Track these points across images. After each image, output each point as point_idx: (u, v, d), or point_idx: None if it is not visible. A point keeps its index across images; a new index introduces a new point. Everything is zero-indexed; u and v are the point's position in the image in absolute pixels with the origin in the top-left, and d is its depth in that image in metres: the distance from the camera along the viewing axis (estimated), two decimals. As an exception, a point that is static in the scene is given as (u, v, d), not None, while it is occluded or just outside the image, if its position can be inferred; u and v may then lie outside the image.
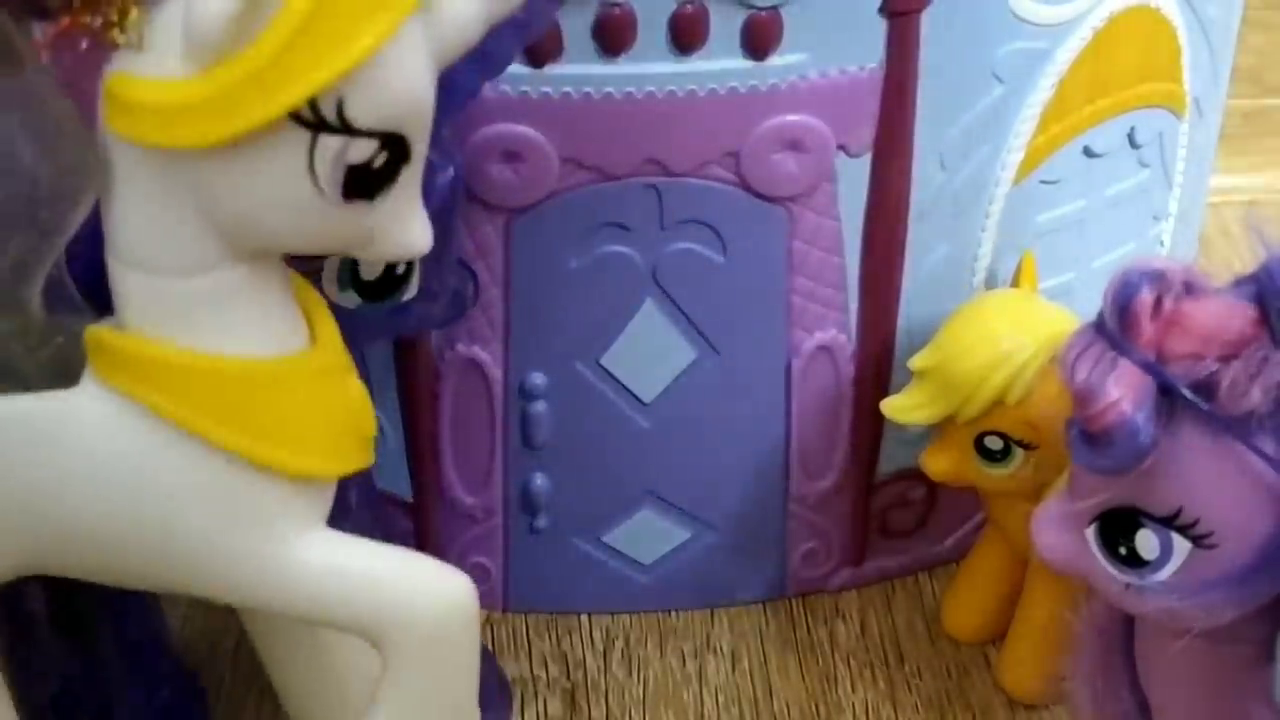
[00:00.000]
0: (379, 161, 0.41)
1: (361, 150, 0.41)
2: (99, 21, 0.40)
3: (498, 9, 0.43)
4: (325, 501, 0.46)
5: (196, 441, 0.43)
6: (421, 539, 0.63)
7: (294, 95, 0.39)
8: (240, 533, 0.45)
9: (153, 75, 0.40)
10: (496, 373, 0.60)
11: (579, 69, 0.54)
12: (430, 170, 0.51)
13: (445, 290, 0.53)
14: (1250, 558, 0.43)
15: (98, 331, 0.44)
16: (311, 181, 0.41)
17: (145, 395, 0.43)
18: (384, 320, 0.53)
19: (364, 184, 0.41)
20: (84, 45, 0.41)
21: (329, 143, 0.40)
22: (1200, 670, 0.46)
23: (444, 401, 0.60)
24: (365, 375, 0.55)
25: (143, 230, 0.42)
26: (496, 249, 0.57)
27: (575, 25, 0.53)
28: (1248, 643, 0.45)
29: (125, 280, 0.43)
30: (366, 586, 0.45)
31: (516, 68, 0.53)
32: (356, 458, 0.47)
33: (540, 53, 0.54)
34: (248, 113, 0.40)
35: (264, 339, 0.44)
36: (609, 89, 0.54)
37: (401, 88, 0.41)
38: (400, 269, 0.51)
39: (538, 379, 0.60)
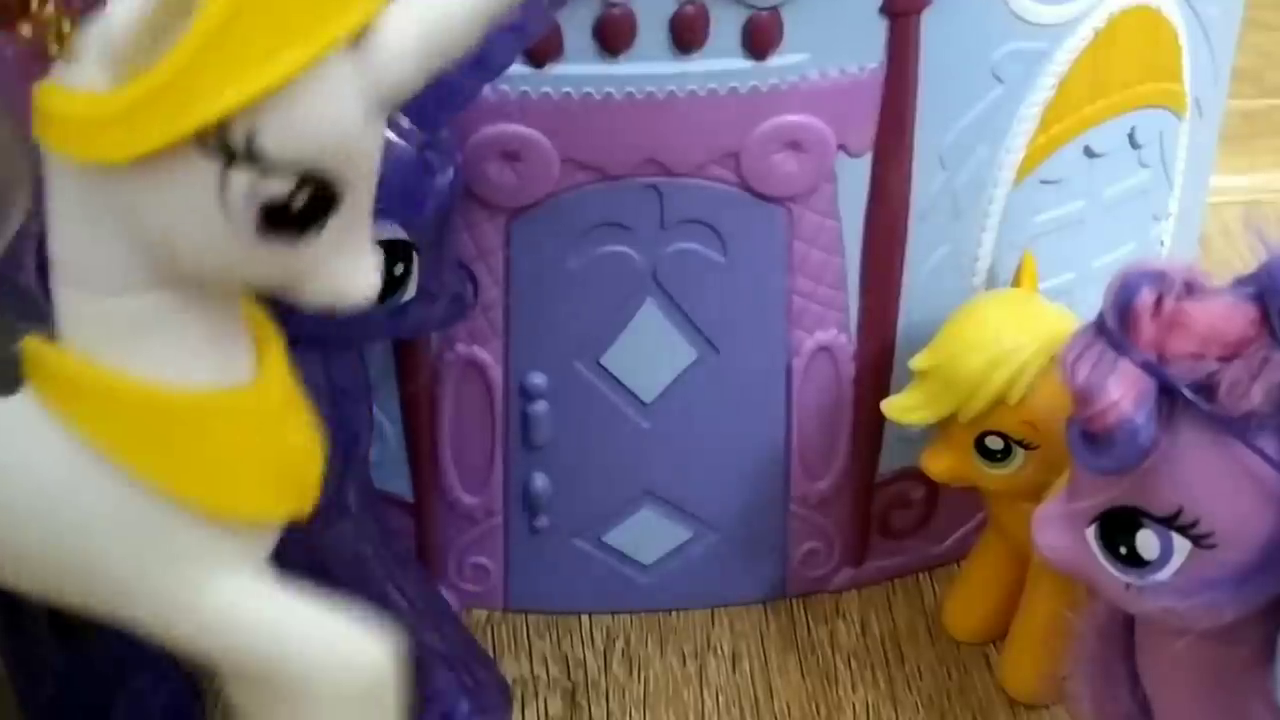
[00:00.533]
0: (299, 202, 0.40)
1: (276, 187, 0.39)
2: (33, 32, 0.40)
3: (436, 61, 0.41)
4: (258, 545, 0.45)
5: (119, 468, 0.42)
6: (421, 539, 0.63)
7: (197, 117, 0.38)
8: (157, 568, 0.43)
9: (76, 87, 0.39)
10: (497, 373, 0.60)
11: (579, 69, 0.54)
12: (429, 171, 0.51)
13: (444, 292, 0.53)
14: (1250, 557, 0.43)
15: (34, 343, 0.43)
16: (224, 214, 0.40)
17: (71, 413, 0.42)
18: (382, 321, 0.53)
19: (283, 224, 0.40)
20: (10, 54, 0.40)
21: (239, 176, 0.39)
22: (1201, 670, 0.46)
23: (444, 401, 0.60)
24: (364, 376, 0.56)
25: (75, 245, 0.42)
26: (496, 249, 0.57)
27: (575, 25, 0.53)
28: (1248, 642, 0.45)
29: (60, 294, 0.42)
30: (283, 640, 0.44)
31: (517, 67, 0.53)
32: (289, 504, 0.45)
33: (540, 53, 0.54)
34: (153, 131, 0.38)
35: (195, 368, 0.43)
36: (609, 89, 0.54)
37: (321, 125, 0.39)
38: (398, 270, 0.51)
39: (538, 379, 0.60)
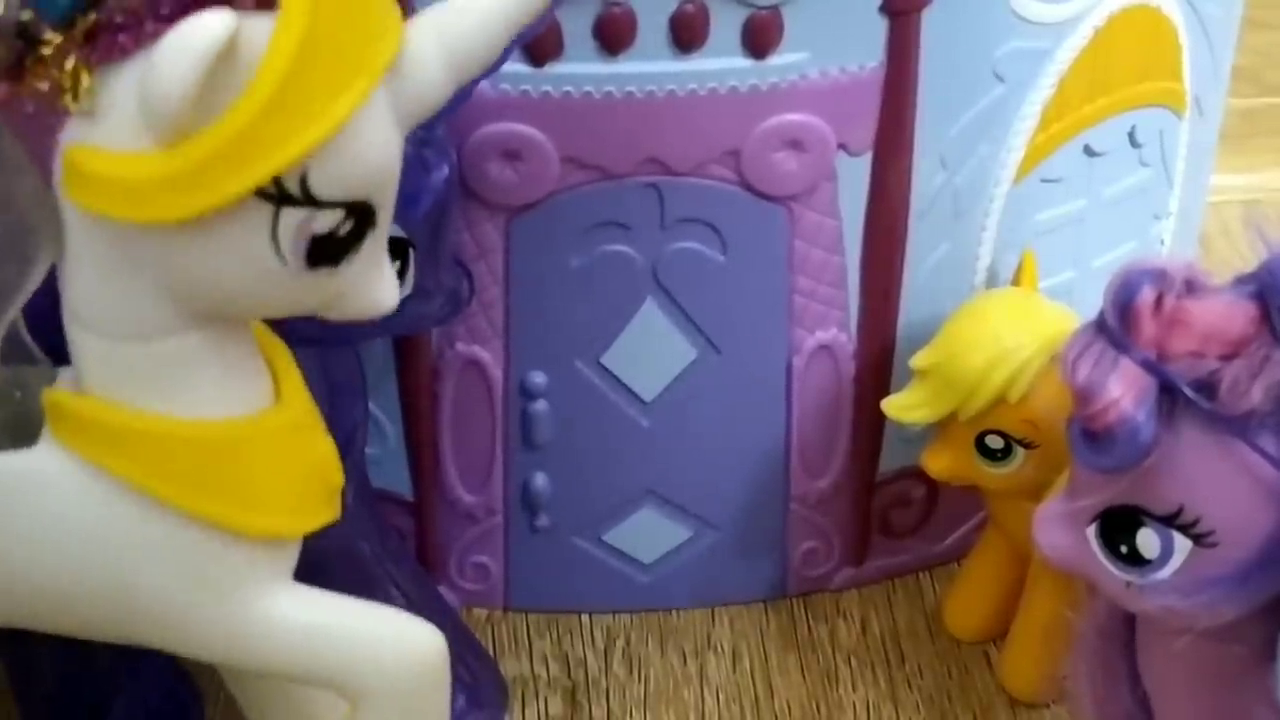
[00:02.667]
0: (344, 230, 0.40)
1: (326, 220, 0.40)
2: (48, 86, 0.39)
3: (463, 74, 0.42)
4: (291, 557, 0.46)
5: (157, 504, 0.43)
6: (422, 538, 0.63)
7: (261, 173, 0.38)
8: (205, 593, 0.44)
9: (113, 147, 0.39)
10: (497, 372, 0.60)
11: (579, 68, 0.54)
12: (425, 168, 0.51)
13: (441, 289, 0.53)
14: (1251, 556, 0.43)
15: (55, 394, 0.43)
16: (274, 251, 0.40)
17: (104, 459, 0.43)
18: (380, 318, 0.53)
19: (328, 252, 0.41)
20: (30, 109, 0.40)
21: (293, 215, 0.39)
22: (1201, 669, 0.46)
23: (444, 401, 0.60)
24: (359, 373, 0.56)
25: (99, 295, 0.42)
26: (497, 248, 0.57)
27: (576, 24, 0.53)
28: (1249, 641, 0.45)
29: (83, 343, 0.43)
30: (336, 642, 0.45)
31: (517, 66, 0.53)
32: (322, 513, 0.46)
33: (541, 52, 0.54)
34: (213, 190, 0.38)
35: (224, 401, 0.43)
36: (609, 88, 0.54)
37: (367, 158, 0.40)
38: (395, 267, 0.51)
39: (538, 378, 0.60)
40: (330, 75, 0.38)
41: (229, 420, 0.43)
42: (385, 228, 0.42)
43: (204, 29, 0.37)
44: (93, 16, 0.39)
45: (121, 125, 0.39)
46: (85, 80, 0.39)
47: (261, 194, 0.39)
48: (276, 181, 0.39)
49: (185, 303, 0.41)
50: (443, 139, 0.51)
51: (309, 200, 0.39)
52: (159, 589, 0.44)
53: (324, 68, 0.38)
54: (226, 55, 0.37)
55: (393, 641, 0.45)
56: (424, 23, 0.42)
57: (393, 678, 0.45)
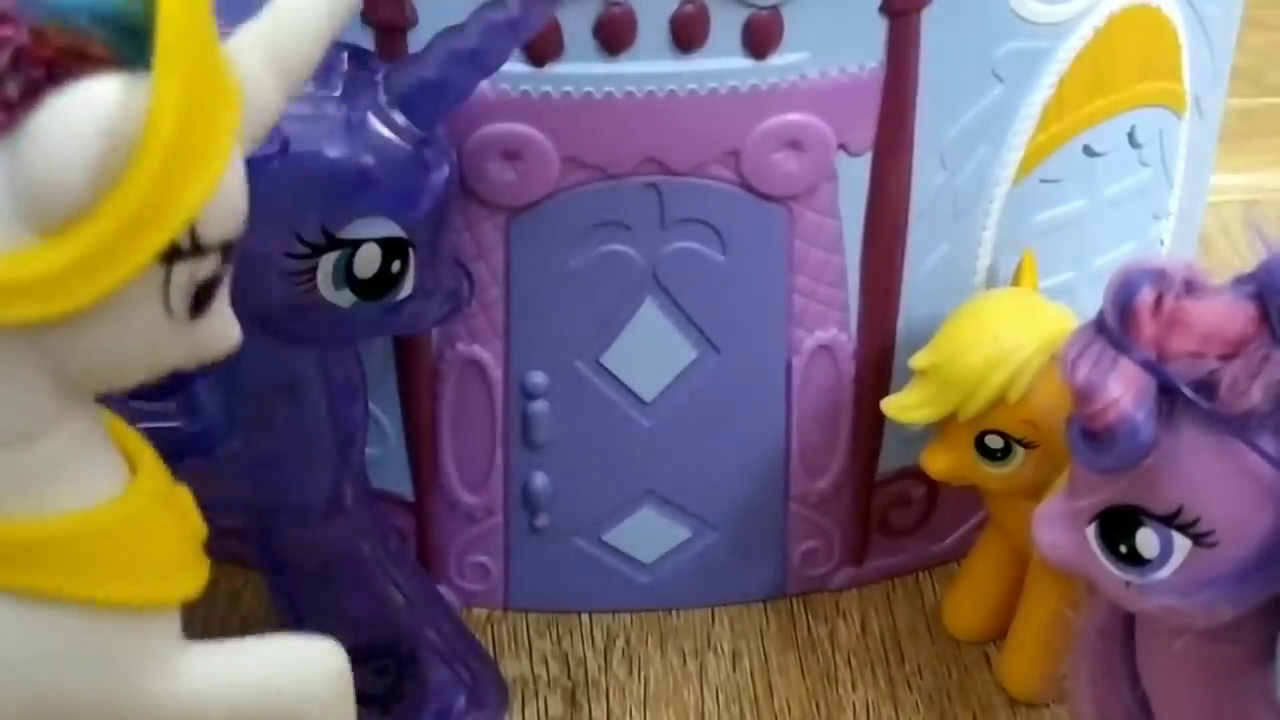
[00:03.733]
0: (218, 271, 0.40)
1: (209, 266, 0.39)
2: None
3: (294, 82, 0.41)
4: (178, 621, 0.45)
5: (40, 603, 0.41)
6: (422, 538, 0.63)
7: (164, 237, 0.37)
8: (124, 675, 0.43)
9: None
10: (497, 372, 0.60)
11: (579, 68, 0.54)
12: (425, 168, 0.51)
13: (440, 289, 0.53)
14: (1251, 556, 0.43)
15: None
16: (165, 310, 0.39)
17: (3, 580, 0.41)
18: (378, 319, 0.53)
19: (205, 297, 0.40)
20: None
21: (183, 268, 0.38)
22: (1201, 669, 0.46)
23: (444, 401, 0.60)
24: (359, 374, 0.56)
25: None
26: (497, 248, 0.57)
27: (576, 24, 0.53)
28: (1248, 641, 0.45)
29: None
30: (253, 681, 0.45)
31: (517, 66, 0.53)
32: (199, 565, 0.45)
33: (540, 51, 0.54)
34: (116, 267, 0.37)
35: (90, 489, 0.42)
36: (609, 88, 0.54)
37: (236, 194, 0.39)
38: (395, 267, 0.51)
39: (538, 378, 0.60)
40: (209, 123, 0.37)
41: (95, 508, 0.42)
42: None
43: (96, 101, 0.36)
44: None
45: None
46: None
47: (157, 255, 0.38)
48: (170, 243, 0.38)
49: (76, 387, 0.40)
50: (442, 139, 0.51)
51: (198, 251, 0.39)
52: (78, 685, 0.43)
53: (203, 119, 0.37)
54: (126, 124, 0.36)
55: (314, 662, 0.45)
56: (246, 41, 0.40)
57: (324, 694, 0.45)
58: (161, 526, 0.43)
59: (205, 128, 0.37)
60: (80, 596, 0.41)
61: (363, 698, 0.48)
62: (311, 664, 0.45)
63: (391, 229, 0.50)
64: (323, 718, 0.45)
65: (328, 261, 0.50)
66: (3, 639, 0.42)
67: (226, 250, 0.40)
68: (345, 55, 0.51)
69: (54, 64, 0.37)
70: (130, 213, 0.36)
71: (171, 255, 0.38)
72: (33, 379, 0.39)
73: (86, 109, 0.36)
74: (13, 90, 0.36)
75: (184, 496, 0.45)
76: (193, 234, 0.38)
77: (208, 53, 0.37)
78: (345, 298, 0.51)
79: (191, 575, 0.44)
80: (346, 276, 0.51)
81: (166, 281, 0.38)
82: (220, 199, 0.38)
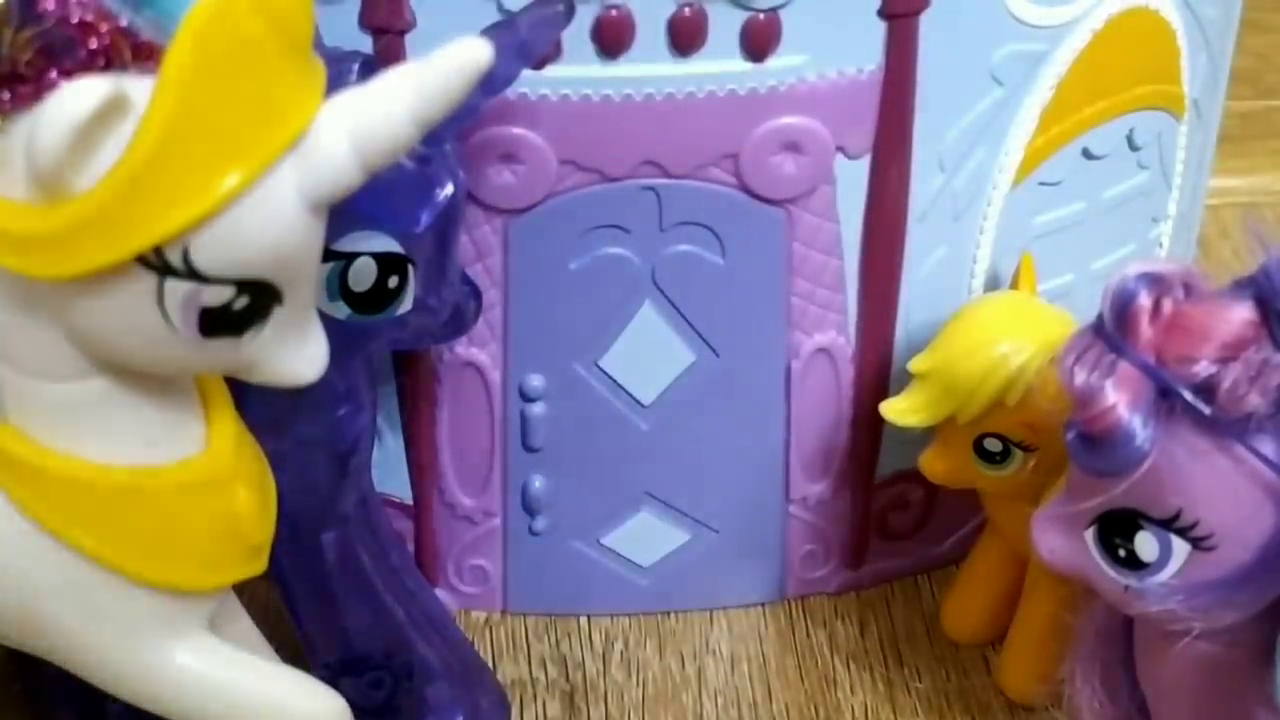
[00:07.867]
0: (239, 305, 0.40)
1: (216, 295, 0.39)
2: None
3: (371, 165, 0.40)
4: (204, 608, 0.45)
5: (58, 541, 0.43)
6: (420, 541, 0.63)
7: (132, 245, 0.38)
8: (111, 636, 0.44)
9: (8, 196, 0.39)
10: (495, 375, 0.60)
11: (578, 71, 0.54)
12: (427, 185, 0.51)
13: (444, 306, 0.53)
14: (1250, 559, 0.43)
15: None
16: (163, 319, 0.39)
17: (10, 489, 0.43)
18: (379, 331, 0.53)
19: (225, 324, 0.40)
20: None
21: (178, 286, 0.39)
22: (1200, 672, 0.46)
23: (443, 404, 0.60)
24: (368, 387, 0.55)
25: (8, 331, 0.41)
26: (495, 251, 0.57)
27: (574, 27, 0.53)
28: (1248, 644, 0.45)
29: (1, 374, 0.42)
30: (230, 701, 0.45)
31: (515, 69, 0.53)
32: (234, 570, 0.45)
33: (539, 55, 0.54)
34: (84, 257, 0.38)
35: (135, 447, 0.43)
36: (608, 91, 0.54)
37: (260, 240, 0.39)
38: (393, 282, 0.51)
39: (536, 381, 0.60)
40: (218, 149, 0.38)
41: (134, 468, 0.43)
42: (300, 305, 0.41)
43: (81, 95, 0.36)
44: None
45: (16, 175, 0.39)
46: None
47: (144, 263, 0.38)
48: (158, 253, 0.38)
49: (86, 352, 0.41)
50: (449, 156, 0.51)
51: (193, 275, 0.39)
52: (70, 623, 0.44)
53: (211, 140, 0.38)
54: (107, 123, 0.37)
55: (293, 705, 0.45)
56: (338, 110, 0.40)
57: None
58: (195, 512, 0.44)
59: (207, 155, 0.38)
60: (83, 550, 0.43)
61: (358, 710, 0.48)
62: (294, 710, 0.46)
63: (388, 244, 0.50)
64: None
65: (321, 272, 0.50)
66: (14, 556, 0.43)
67: (255, 290, 0.40)
68: (355, 66, 0.50)
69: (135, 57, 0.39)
70: (98, 209, 0.37)
71: (162, 269, 0.39)
72: (47, 327, 0.41)
73: (78, 98, 0.37)
74: (68, 60, 0.38)
75: (246, 495, 0.45)
76: (186, 256, 0.38)
77: (225, 86, 0.38)
78: (339, 309, 0.51)
79: (219, 570, 0.45)
80: (341, 289, 0.51)
81: (160, 293, 0.39)
82: (227, 233, 0.38)
